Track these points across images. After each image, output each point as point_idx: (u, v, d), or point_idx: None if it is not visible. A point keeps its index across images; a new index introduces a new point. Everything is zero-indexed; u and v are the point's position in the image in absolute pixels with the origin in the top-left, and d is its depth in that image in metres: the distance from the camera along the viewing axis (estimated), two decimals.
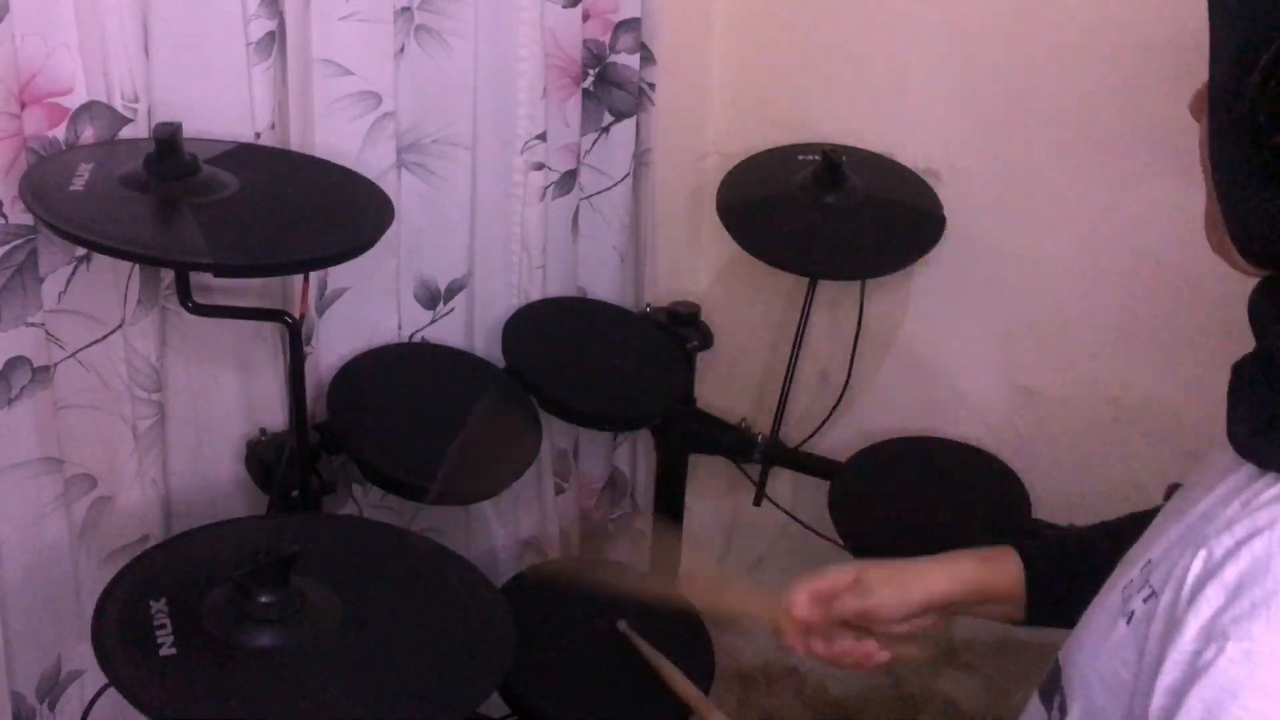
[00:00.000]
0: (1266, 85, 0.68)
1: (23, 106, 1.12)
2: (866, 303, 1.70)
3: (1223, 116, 0.72)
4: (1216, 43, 0.73)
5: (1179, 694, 0.69)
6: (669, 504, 1.85)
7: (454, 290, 1.58)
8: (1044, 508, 1.58)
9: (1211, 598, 0.69)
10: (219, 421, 1.39)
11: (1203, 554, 0.72)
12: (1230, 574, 0.69)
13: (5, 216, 1.13)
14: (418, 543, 1.26)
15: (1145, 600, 0.76)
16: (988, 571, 1.06)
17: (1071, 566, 1.04)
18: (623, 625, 1.39)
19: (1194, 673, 0.68)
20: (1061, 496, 1.59)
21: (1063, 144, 1.54)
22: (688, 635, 1.47)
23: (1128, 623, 0.77)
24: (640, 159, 1.74)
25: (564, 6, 1.53)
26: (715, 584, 1.09)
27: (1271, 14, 0.69)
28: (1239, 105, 0.70)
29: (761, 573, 2.01)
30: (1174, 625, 0.71)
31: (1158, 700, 0.70)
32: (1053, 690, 0.85)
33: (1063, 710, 0.83)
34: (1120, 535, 0.89)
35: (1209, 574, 0.71)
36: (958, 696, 1.83)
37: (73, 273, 1.21)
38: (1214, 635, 0.68)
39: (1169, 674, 0.70)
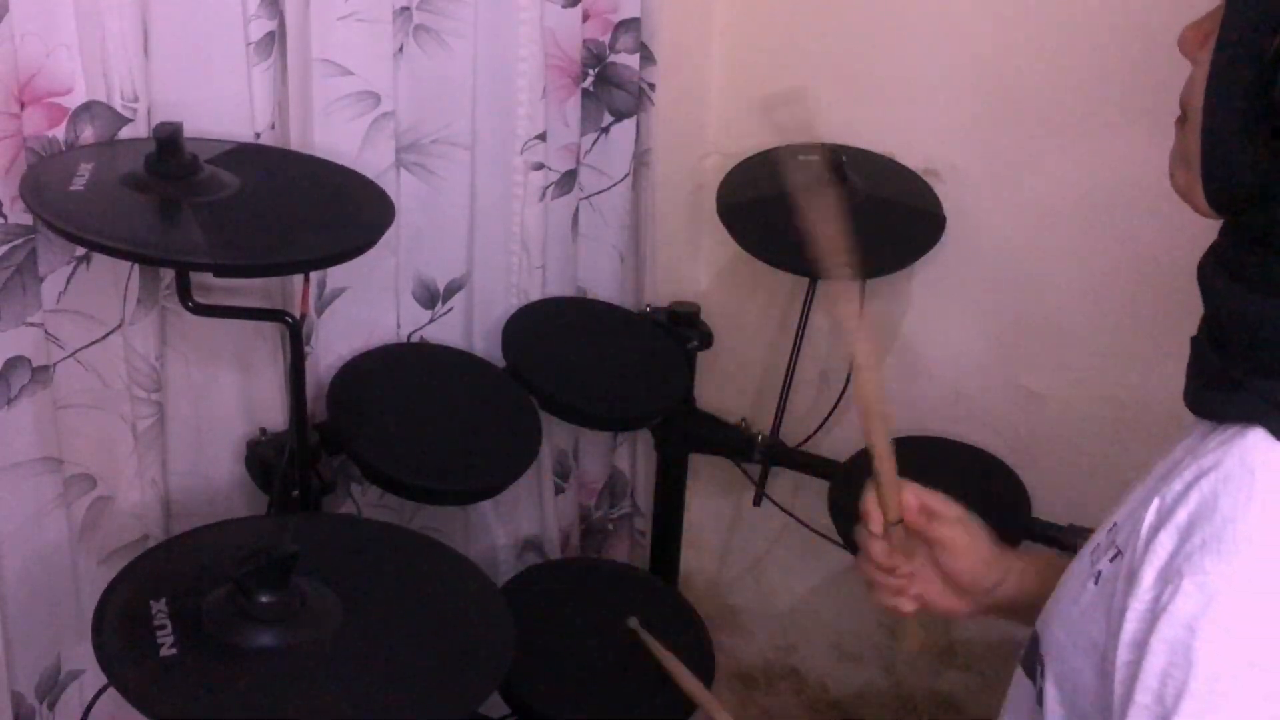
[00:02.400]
0: None
1: (22, 106, 1.12)
2: (866, 303, 1.70)
3: (1232, 59, 0.72)
4: None
5: (1140, 645, 0.69)
6: (669, 504, 1.84)
7: (453, 290, 1.58)
8: (1044, 508, 1.58)
9: (1165, 542, 0.70)
10: (219, 421, 1.39)
11: (1155, 503, 0.73)
12: (1181, 516, 0.70)
13: (5, 216, 1.13)
14: (418, 543, 1.26)
15: (1112, 560, 0.77)
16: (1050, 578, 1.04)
17: None
18: (633, 622, 1.39)
19: (1153, 618, 0.69)
20: (1061, 496, 1.59)
21: (1063, 144, 1.54)
22: (688, 635, 1.47)
23: (1095, 584, 0.78)
24: (640, 159, 1.74)
25: (564, 6, 1.53)
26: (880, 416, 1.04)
27: None
28: (1256, 58, 0.70)
29: (761, 572, 2.01)
30: (1133, 577, 0.72)
31: (1122, 655, 0.71)
32: (1033, 660, 0.86)
33: (1042, 676, 0.83)
34: None
35: (1161, 521, 0.72)
36: (958, 696, 1.83)
37: (72, 272, 1.21)
38: (1170, 577, 0.69)
39: (1130, 626, 0.70)
